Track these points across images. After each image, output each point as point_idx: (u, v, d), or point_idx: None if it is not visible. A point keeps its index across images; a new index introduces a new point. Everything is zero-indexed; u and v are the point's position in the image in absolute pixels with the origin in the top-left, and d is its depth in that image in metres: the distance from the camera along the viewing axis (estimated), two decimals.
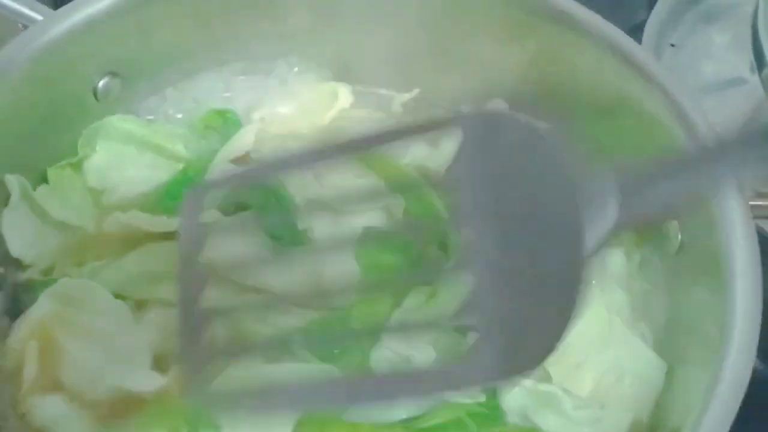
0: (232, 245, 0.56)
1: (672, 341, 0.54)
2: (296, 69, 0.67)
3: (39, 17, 0.57)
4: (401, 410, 0.52)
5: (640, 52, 0.56)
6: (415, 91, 0.67)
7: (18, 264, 0.57)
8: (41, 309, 0.53)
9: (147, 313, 0.54)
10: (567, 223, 0.35)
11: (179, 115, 0.65)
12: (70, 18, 0.56)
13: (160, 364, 0.52)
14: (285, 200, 0.58)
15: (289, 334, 0.53)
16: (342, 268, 0.55)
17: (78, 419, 0.49)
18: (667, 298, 0.56)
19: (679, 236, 0.54)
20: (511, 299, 0.36)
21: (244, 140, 0.63)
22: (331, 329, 0.54)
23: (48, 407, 0.50)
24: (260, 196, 0.58)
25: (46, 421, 0.49)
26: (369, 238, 0.54)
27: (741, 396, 0.44)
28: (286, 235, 0.57)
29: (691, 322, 0.53)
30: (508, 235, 0.36)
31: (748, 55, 0.73)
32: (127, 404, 0.50)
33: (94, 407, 0.50)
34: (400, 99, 0.68)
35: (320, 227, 0.58)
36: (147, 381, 0.50)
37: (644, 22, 0.74)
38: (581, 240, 0.34)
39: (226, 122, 0.65)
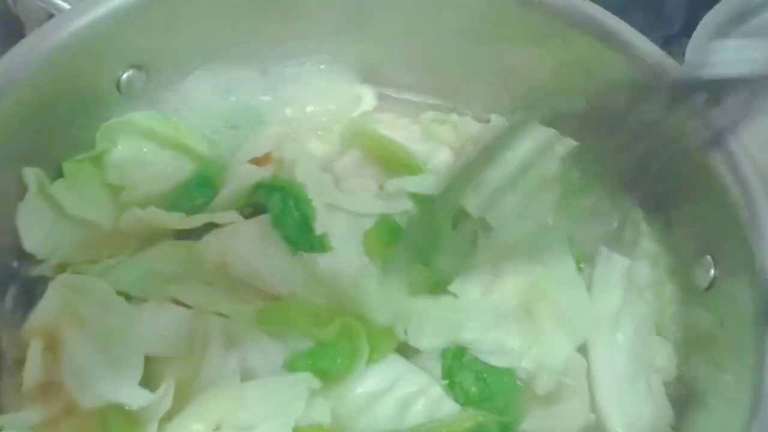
0: (250, 249, 0.56)
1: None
2: (323, 68, 0.65)
3: (67, 6, 0.56)
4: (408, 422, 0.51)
5: (678, 70, 0.54)
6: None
7: (32, 258, 0.56)
8: (51, 302, 0.52)
9: (146, 308, 0.53)
10: None
11: (202, 113, 0.64)
12: (98, 8, 0.55)
13: (152, 368, 0.51)
14: (303, 204, 0.57)
15: None
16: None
17: None
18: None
19: (712, 272, 0.52)
20: None
21: (265, 140, 0.62)
22: None
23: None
24: (279, 200, 0.57)
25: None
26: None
27: None
28: (303, 240, 0.56)
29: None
30: None
31: None
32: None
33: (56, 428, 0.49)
34: (425, 104, 0.66)
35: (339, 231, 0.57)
36: (136, 397, 0.49)
37: (682, 32, 0.72)
38: None
39: (248, 121, 0.64)
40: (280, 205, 0.57)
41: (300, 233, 0.56)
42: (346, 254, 0.56)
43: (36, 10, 0.59)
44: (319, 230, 0.56)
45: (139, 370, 0.50)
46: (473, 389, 0.54)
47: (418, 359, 0.54)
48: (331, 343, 0.52)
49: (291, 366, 0.52)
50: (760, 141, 0.51)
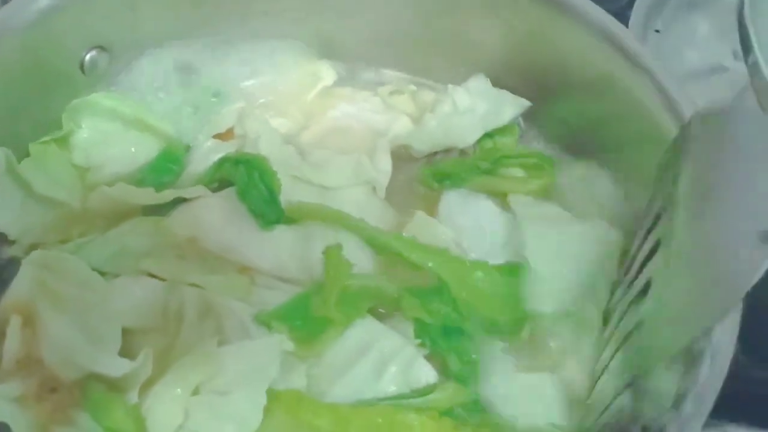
0: (219, 222, 0.57)
1: None
2: (282, 45, 0.66)
3: None
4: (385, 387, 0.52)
5: (627, 35, 0.57)
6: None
7: (4, 239, 0.56)
8: (24, 280, 0.53)
9: (120, 282, 0.54)
10: None
11: (164, 92, 0.64)
12: None
13: (130, 340, 0.52)
14: (268, 176, 0.58)
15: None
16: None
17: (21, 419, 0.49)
18: None
19: None
20: None
21: (227, 116, 0.63)
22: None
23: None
24: (244, 172, 0.58)
25: None
26: None
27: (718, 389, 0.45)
28: (269, 213, 0.57)
29: None
30: None
31: (731, 43, 0.74)
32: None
33: (37, 408, 0.49)
34: (385, 77, 0.68)
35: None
36: (116, 366, 0.50)
37: (627, 5, 0.74)
38: None
39: (211, 98, 0.64)
40: (245, 178, 0.58)
41: (266, 206, 0.57)
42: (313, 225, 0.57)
43: None
44: (284, 203, 0.57)
45: (117, 341, 0.51)
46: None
47: (390, 321, 0.56)
48: (304, 297, 0.54)
49: (262, 320, 0.53)
50: None
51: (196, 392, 0.50)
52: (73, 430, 0.49)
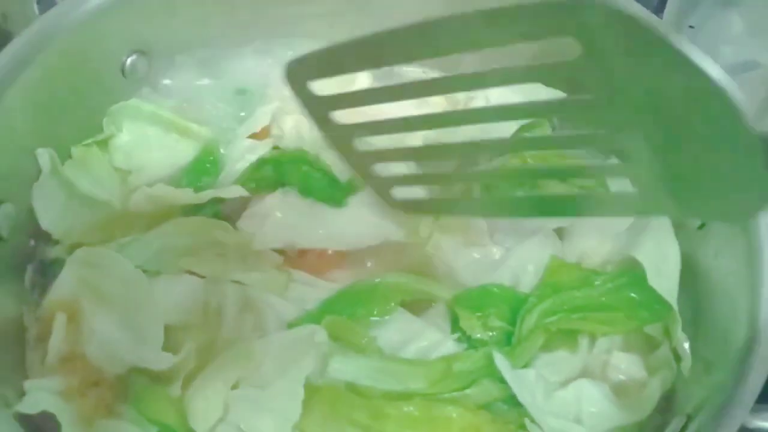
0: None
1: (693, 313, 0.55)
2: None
3: None
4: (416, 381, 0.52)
5: (661, 25, 0.57)
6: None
7: (48, 238, 0.57)
8: (69, 277, 0.54)
9: (162, 280, 0.55)
10: None
11: (201, 95, 0.66)
12: None
13: (172, 336, 0.53)
14: (317, 164, 0.60)
15: None
16: None
17: (66, 411, 0.50)
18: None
19: None
20: None
21: (263, 116, 0.64)
22: None
23: (39, 398, 0.50)
24: (294, 171, 0.60)
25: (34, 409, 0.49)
26: None
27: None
28: (338, 193, 0.59)
29: (714, 294, 0.53)
30: None
31: (766, 39, 0.74)
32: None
33: (81, 401, 0.50)
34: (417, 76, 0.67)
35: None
36: (160, 360, 0.51)
37: (658, 5, 0.74)
38: None
39: (245, 100, 0.66)
40: (300, 175, 0.60)
41: (330, 189, 0.59)
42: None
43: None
44: (342, 177, 0.60)
45: (160, 336, 0.52)
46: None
47: (426, 315, 0.56)
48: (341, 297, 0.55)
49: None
50: None
51: (236, 386, 0.51)
52: (117, 422, 0.50)
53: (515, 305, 0.55)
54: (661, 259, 0.55)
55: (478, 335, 0.54)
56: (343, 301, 0.55)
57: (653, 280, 0.53)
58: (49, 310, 0.54)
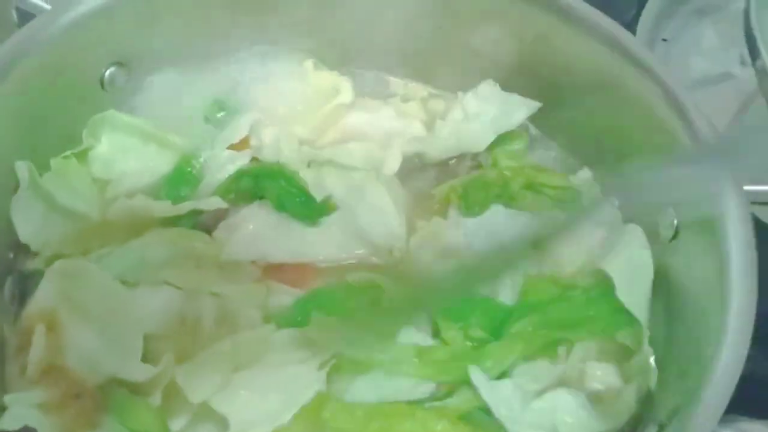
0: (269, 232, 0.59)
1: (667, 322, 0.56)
2: (296, 59, 0.67)
3: (47, 6, 0.58)
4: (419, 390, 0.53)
5: (636, 44, 0.58)
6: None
7: (27, 251, 0.58)
8: (48, 289, 0.54)
9: (140, 291, 0.55)
10: None
11: (179, 106, 0.65)
12: (78, 7, 0.57)
13: (151, 347, 0.53)
14: (294, 179, 0.61)
15: None
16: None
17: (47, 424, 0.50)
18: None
19: (675, 222, 0.55)
20: None
21: (242, 127, 0.64)
22: None
23: (20, 413, 0.50)
24: (272, 184, 0.60)
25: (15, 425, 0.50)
26: None
27: (735, 382, 0.45)
28: (311, 212, 0.60)
29: (686, 304, 0.54)
30: None
31: (738, 51, 0.75)
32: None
33: (62, 414, 0.51)
34: (396, 86, 0.70)
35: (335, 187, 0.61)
36: (140, 371, 0.51)
37: (632, 19, 0.76)
38: None
39: (226, 111, 0.66)
40: (277, 189, 0.60)
41: (305, 207, 0.60)
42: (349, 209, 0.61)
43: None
44: (318, 197, 0.60)
45: (139, 347, 0.52)
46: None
47: None
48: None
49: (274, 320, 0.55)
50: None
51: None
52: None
53: (496, 316, 0.56)
54: (632, 272, 0.55)
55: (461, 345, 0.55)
56: (319, 299, 0.55)
57: (622, 294, 0.54)
58: (28, 322, 0.54)
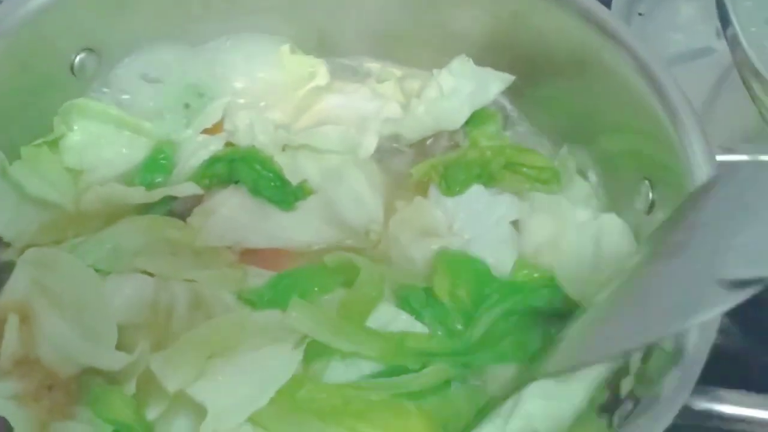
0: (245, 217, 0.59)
1: None
2: (270, 42, 0.67)
3: None
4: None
5: (608, 15, 0.57)
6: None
7: None
8: (20, 278, 0.54)
9: (114, 279, 0.55)
10: None
11: (152, 91, 0.65)
12: None
13: (125, 336, 0.52)
14: (269, 164, 0.60)
15: None
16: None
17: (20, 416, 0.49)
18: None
19: (650, 195, 0.55)
20: None
21: (215, 111, 0.64)
22: None
23: None
24: (247, 169, 0.60)
25: None
26: None
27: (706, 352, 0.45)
28: (287, 196, 0.60)
29: None
30: None
31: (714, 24, 0.75)
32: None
33: (36, 405, 0.50)
34: (372, 69, 0.69)
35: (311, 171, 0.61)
36: (114, 360, 0.51)
37: None
38: None
39: (199, 96, 0.65)
40: (252, 174, 0.60)
41: (280, 192, 0.60)
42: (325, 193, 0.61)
43: None
44: (293, 181, 0.60)
45: (113, 336, 0.52)
46: None
47: None
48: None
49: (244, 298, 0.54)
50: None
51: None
52: (72, 425, 0.49)
53: (484, 283, 0.56)
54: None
55: (444, 301, 0.55)
56: (295, 277, 0.55)
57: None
58: (1, 313, 0.53)
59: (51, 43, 0.58)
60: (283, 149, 0.62)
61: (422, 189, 0.62)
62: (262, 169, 0.60)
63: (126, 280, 0.55)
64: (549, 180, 0.62)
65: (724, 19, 0.55)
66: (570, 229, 0.59)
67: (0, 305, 0.53)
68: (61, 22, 0.58)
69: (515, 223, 0.61)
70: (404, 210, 0.61)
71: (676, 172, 0.51)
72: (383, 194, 0.62)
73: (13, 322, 0.52)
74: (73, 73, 0.61)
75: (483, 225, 0.60)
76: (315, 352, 0.52)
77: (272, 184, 0.60)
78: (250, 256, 0.58)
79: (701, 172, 0.51)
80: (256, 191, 0.59)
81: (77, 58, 0.60)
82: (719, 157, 0.51)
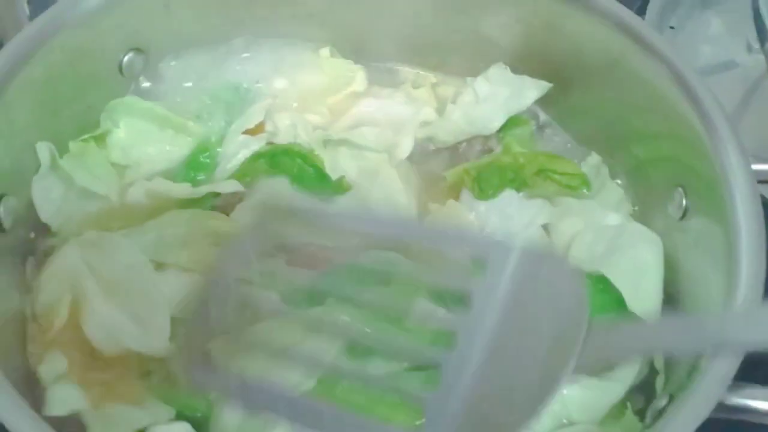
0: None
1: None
2: (308, 48, 0.69)
3: None
4: None
5: (645, 27, 0.59)
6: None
7: (47, 230, 0.59)
8: (69, 254, 0.55)
9: (167, 274, 0.56)
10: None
11: (196, 91, 0.67)
12: None
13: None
14: (310, 158, 0.62)
15: None
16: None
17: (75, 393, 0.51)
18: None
19: (684, 202, 0.56)
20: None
21: (257, 112, 0.65)
22: None
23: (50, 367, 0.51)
24: (289, 162, 0.62)
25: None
26: None
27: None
28: (325, 189, 0.61)
29: (693, 286, 0.55)
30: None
31: (744, 38, 0.76)
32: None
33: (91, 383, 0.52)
34: (406, 75, 0.71)
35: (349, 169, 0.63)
36: (159, 346, 0.52)
37: (640, 9, 0.76)
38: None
39: (240, 96, 0.67)
40: (293, 168, 0.62)
41: (320, 184, 0.61)
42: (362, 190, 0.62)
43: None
44: (333, 175, 0.61)
45: (167, 326, 0.53)
46: None
47: None
48: None
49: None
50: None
51: None
52: (127, 408, 0.51)
53: None
54: (638, 277, 0.56)
55: None
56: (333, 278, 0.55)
57: (632, 303, 0.55)
58: (47, 282, 0.55)
59: (101, 42, 0.60)
60: (324, 145, 0.64)
61: (455, 192, 0.63)
62: (303, 162, 0.62)
63: (178, 275, 0.56)
64: (578, 186, 0.63)
65: (762, 33, 0.56)
66: (590, 229, 0.60)
67: (53, 284, 0.54)
68: (111, 22, 0.59)
69: (545, 227, 0.62)
70: (437, 212, 0.62)
71: (711, 179, 0.52)
72: (417, 196, 0.63)
73: (65, 302, 0.54)
74: (121, 72, 0.63)
75: (514, 228, 0.61)
76: (356, 348, 0.52)
77: (313, 177, 0.61)
78: (290, 253, 0.60)
79: (736, 181, 0.51)
80: (297, 183, 0.61)
81: (125, 58, 0.62)
82: (754, 166, 0.52)
